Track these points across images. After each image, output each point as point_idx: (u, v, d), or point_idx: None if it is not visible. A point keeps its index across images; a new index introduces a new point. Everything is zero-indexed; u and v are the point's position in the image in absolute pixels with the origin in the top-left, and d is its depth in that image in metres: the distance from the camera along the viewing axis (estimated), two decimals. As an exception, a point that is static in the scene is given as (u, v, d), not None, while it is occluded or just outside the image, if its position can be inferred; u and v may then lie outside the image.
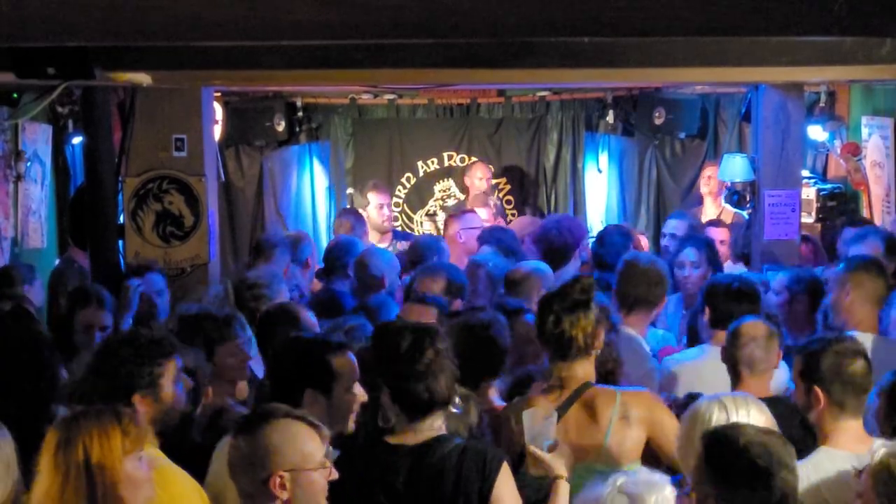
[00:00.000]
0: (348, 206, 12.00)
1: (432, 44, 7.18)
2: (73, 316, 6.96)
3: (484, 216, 10.47)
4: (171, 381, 4.66)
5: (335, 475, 3.89)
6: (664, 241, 9.00)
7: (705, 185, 11.00)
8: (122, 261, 8.74)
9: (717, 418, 4.33)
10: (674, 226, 9.03)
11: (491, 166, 12.15)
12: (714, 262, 8.12)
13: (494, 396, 5.40)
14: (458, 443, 4.48)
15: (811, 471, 4.58)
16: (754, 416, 4.39)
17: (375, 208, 10.63)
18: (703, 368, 6.10)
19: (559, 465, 4.59)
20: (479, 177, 11.51)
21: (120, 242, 8.83)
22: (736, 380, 5.52)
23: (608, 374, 5.28)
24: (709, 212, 10.85)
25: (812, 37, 6.73)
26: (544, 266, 7.52)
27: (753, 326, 5.61)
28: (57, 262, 10.11)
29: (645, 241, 9.80)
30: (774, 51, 7.70)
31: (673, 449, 4.67)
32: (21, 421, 4.59)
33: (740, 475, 3.81)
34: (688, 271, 7.97)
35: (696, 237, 8.58)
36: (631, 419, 4.92)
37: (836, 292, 6.56)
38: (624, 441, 4.89)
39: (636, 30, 5.53)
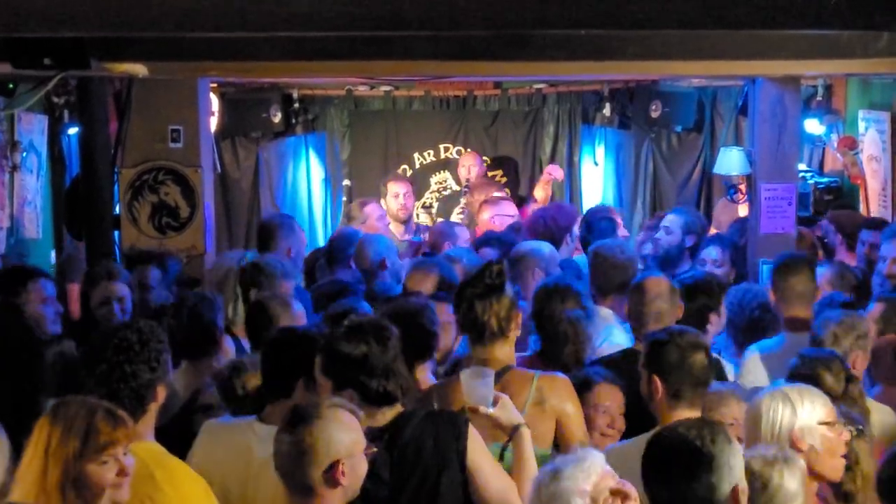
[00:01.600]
0: (345, 198, 12.06)
1: (429, 36, 7.16)
2: (89, 296, 7.05)
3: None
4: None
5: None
6: (657, 235, 8.95)
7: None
8: (117, 252, 8.73)
9: (783, 414, 4.40)
10: (671, 220, 8.98)
11: (484, 157, 12.18)
12: (738, 262, 8.18)
13: (426, 376, 5.59)
14: (420, 413, 4.58)
15: (638, 449, 4.67)
16: (818, 406, 4.45)
17: (392, 197, 10.63)
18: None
19: (511, 416, 4.64)
20: (467, 165, 11.53)
21: (116, 233, 8.83)
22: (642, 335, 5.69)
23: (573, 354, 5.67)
24: (745, 207, 10.77)
25: (809, 30, 6.73)
26: (544, 246, 7.63)
27: (657, 282, 5.96)
28: (52, 252, 10.11)
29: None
30: (772, 44, 7.69)
31: (573, 436, 4.93)
32: (9, 415, 4.59)
33: (663, 473, 3.84)
34: (708, 267, 8.03)
35: (721, 236, 8.58)
36: (544, 405, 5.02)
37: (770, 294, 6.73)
38: (537, 425, 4.95)
39: (633, 22, 5.53)
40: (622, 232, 9.07)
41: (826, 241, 9.13)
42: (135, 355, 4.52)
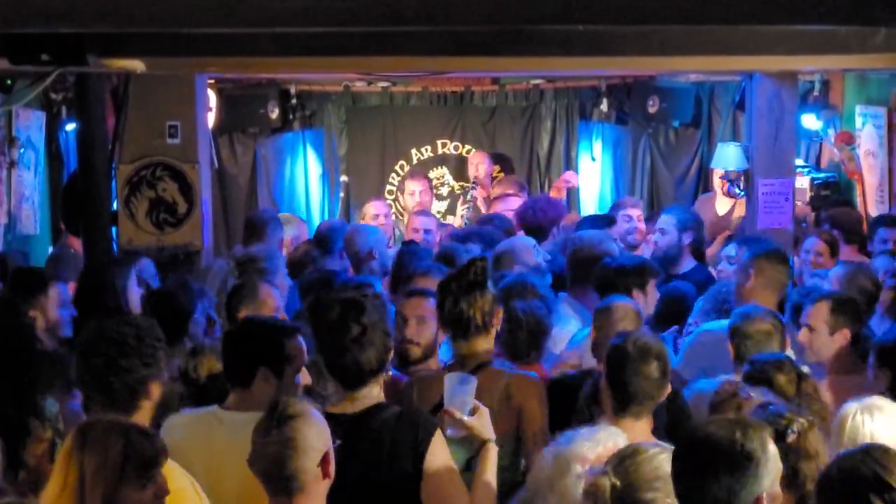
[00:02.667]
0: (342, 194, 12.07)
1: (426, 31, 7.18)
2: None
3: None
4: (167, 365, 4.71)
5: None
6: (654, 237, 8.87)
7: (720, 186, 10.79)
8: (115, 248, 8.73)
9: (872, 428, 4.38)
10: (664, 220, 8.75)
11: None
12: None
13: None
14: (394, 410, 4.59)
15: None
16: None
17: (409, 195, 10.69)
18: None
19: (484, 429, 4.64)
20: (475, 163, 11.56)
21: (113, 229, 8.82)
22: None
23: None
24: (722, 203, 10.75)
25: (807, 25, 6.74)
26: (522, 240, 7.79)
27: (625, 305, 5.92)
28: (50, 248, 10.11)
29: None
30: (769, 39, 7.71)
31: (531, 429, 5.00)
32: (5, 413, 4.59)
33: (684, 471, 3.66)
34: (722, 264, 8.00)
35: (748, 237, 8.35)
36: (511, 401, 5.08)
37: (739, 278, 6.75)
38: (502, 421, 4.97)
39: (631, 18, 5.55)
40: (626, 225, 9.09)
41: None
42: (129, 349, 4.50)
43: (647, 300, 6.70)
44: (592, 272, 6.90)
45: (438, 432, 4.52)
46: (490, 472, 4.59)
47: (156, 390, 4.57)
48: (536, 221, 8.86)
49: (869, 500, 3.41)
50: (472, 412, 4.63)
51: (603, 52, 7.71)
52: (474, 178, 11.46)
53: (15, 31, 6.60)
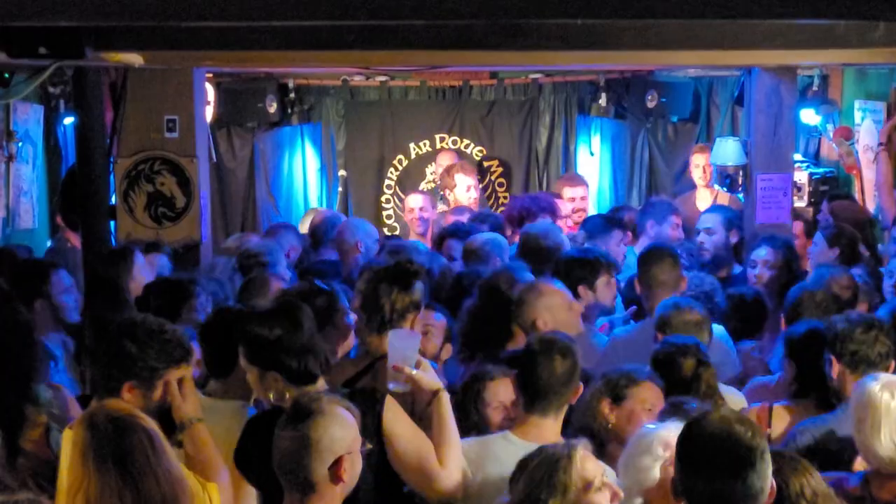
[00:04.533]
0: (340, 188, 12.07)
1: (425, 25, 7.18)
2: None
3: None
4: (165, 385, 4.49)
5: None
6: (699, 238, 8.65)
7: (700, 178, 10.82)
8: (113, 242, 8.73)
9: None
10: (710, 219, 8.71)
11: (480, 148, 12.22)
12: (791, 265, 7.75)
13: None
14: (345, 391, 4.62)
15: (481, 447, 4.76)
16: None
17: (464, 191, 10.67)
18: None
19: (432, 380, 4.69)
20: (441, 163, 11.58)
21: (112, 223, 8.83)
22: None
23: None
24: (703, 198, 10.74)
25: (806, 20, 6.73)
26: (498, 238, 7.97)
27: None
28: (49, 242, 10.11)
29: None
30: (768, 34, 7.70)
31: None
32: (2, 401, 4.58)
33: (707, 468, 3.69)
34: (759, 270, 7.68)
35: (776, 236, 8.14)
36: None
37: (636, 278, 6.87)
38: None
39: (629, 12, 5.54)
40: (674, 233, 8.94)
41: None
42: (145, 340, 4.40)
43: (598, 295, 6.71)
44: (541, 263, 6.97)
45: (390, 399, 4.58)
46: (449, 418, 4.64)
47: (129, 393, 4.40)
48: (522, 219, 8.96)
49: None
50: (417, 366, 4.68)
51: (601, 47, 7.70)
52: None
53: (12, 25, 6.59)
